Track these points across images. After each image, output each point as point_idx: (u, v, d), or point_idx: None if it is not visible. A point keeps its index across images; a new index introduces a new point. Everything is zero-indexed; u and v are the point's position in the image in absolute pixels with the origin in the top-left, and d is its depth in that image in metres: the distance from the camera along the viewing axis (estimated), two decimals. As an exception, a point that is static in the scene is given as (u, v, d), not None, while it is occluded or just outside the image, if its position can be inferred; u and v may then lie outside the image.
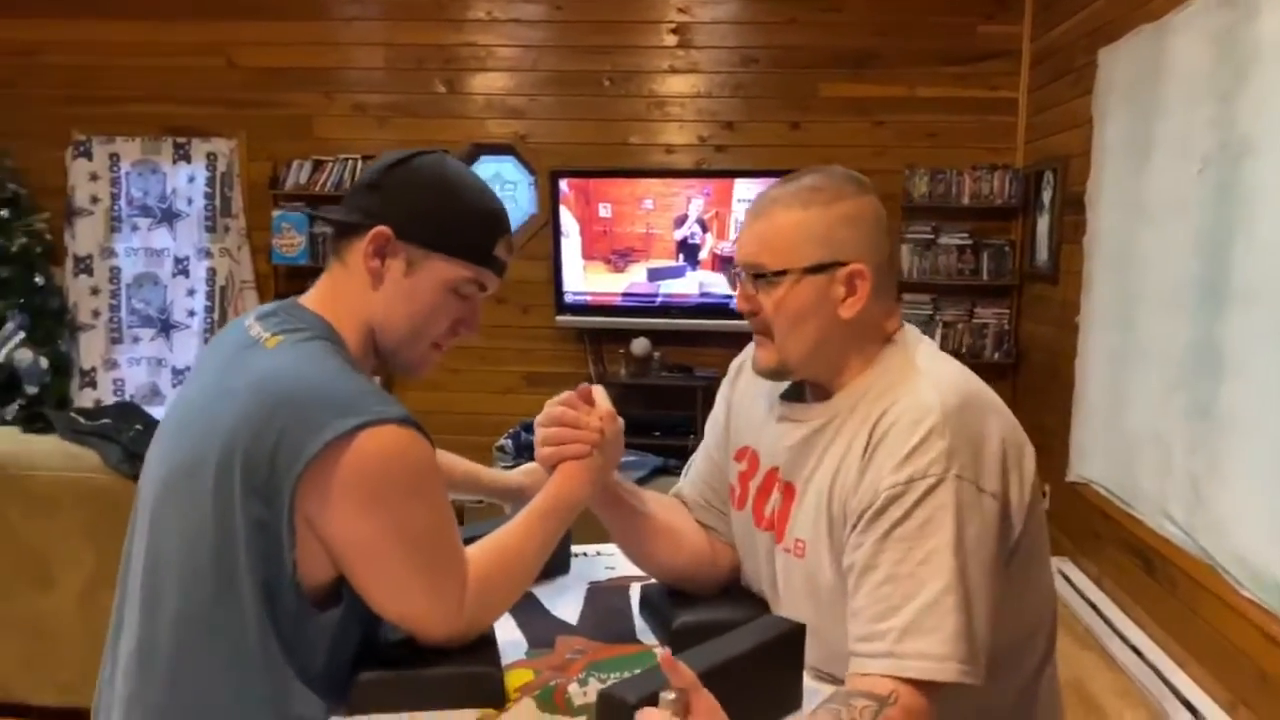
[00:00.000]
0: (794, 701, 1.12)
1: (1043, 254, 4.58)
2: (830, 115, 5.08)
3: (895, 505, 1.09)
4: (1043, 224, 4.60)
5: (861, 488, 1.13)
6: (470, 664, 1.15)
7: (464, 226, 1.19)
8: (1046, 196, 4.54)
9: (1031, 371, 4.78)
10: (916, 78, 5.03)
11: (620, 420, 1.28)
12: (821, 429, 1.22)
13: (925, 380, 1.15)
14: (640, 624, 1.39)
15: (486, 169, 5.37)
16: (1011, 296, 4.98)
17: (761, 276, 1.20)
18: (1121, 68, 3.59)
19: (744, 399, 1.39)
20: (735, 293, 1.26)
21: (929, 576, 1.06)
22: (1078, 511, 3.83)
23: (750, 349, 1.32)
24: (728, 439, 1.41)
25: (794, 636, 1.12)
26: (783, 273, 1.19)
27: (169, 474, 1.13)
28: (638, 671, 1.22)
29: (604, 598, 1.48)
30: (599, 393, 1.28)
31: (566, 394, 1.27)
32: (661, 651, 0.90)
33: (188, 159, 5.36)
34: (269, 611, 1.07)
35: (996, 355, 4.94)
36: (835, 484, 1.18)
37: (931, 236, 4.96)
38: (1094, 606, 3.43)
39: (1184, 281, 2.96)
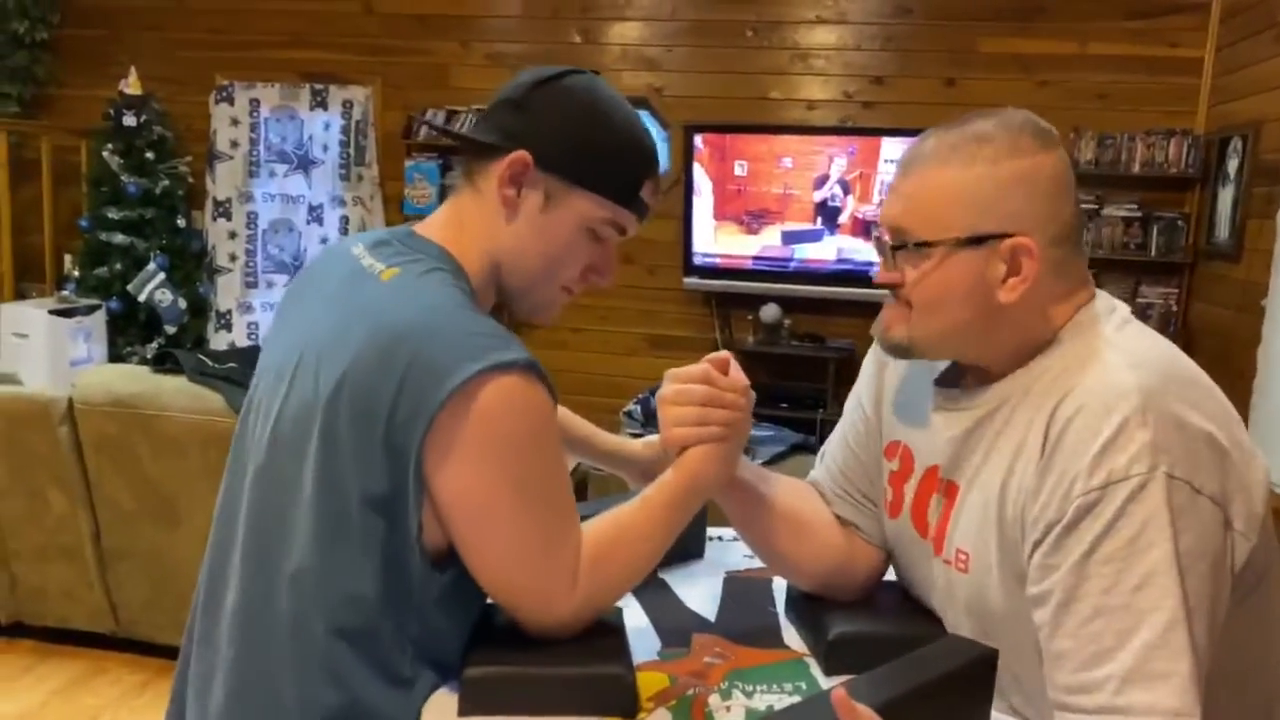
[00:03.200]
0: (981, 742, 0.93)
1: (1223, 229, 4.16)
2: (990, 72, 4.72)
3: (1091, 517, 0.89)
4: (1225, 196, 4.17)
5: (1043, 494, 0.93)
6: (598, 663, 0.99)
7: (613, 161, 1.05)
8: (1232, 166, 4.11)
9: (1201, 358, 4.27)
10: (1089, 33, 4.62)
11: (753, 394, 1.10)
12: (988, 418, 1.02)
13: (1116, 355, 0.95)
14: (786, 625, 1.22)
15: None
16: (1182, 275, 4.55)
17: (902, 246, 1.00)
18: (1339, 20, 3.18)
19: (894, 381, 1.18)
20: (877, 260, 1.06)
21: (1149, 606, 0.86)
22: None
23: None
24: (877, 427, 1.20)
25: (985, 664, 0.93)
26: (929, 244, 0.98)
27: (276, 426, 1.02)
28: (786, 688, 1.07)
29: (744, 591, 1.31)
30: (734, 363, 1.09)
31: (695, 368, 1.07)
32: (834, 685, 0.72)
33: (324, 106, 5.37)
34: (389, 573, 0.97)
35: (1162, 339, 4.54)
36: (1008, 487, 0.98)
37: (1096, 207, 4.57)
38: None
39: None
